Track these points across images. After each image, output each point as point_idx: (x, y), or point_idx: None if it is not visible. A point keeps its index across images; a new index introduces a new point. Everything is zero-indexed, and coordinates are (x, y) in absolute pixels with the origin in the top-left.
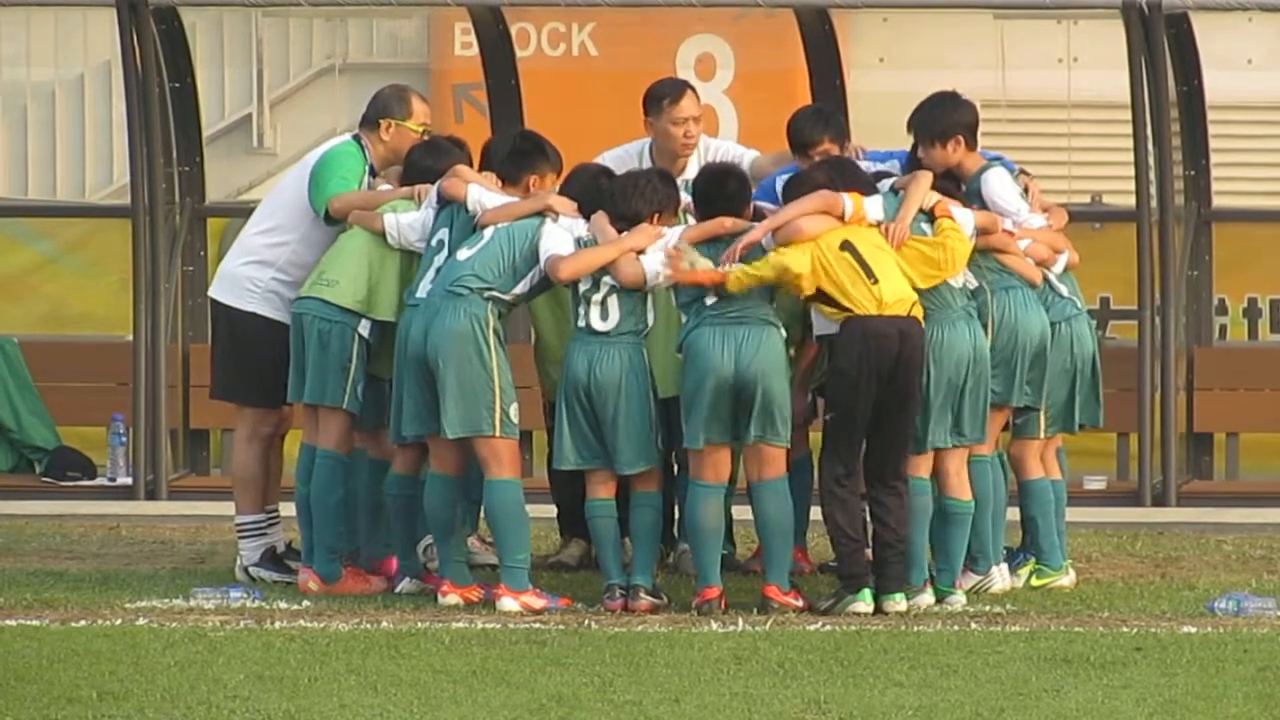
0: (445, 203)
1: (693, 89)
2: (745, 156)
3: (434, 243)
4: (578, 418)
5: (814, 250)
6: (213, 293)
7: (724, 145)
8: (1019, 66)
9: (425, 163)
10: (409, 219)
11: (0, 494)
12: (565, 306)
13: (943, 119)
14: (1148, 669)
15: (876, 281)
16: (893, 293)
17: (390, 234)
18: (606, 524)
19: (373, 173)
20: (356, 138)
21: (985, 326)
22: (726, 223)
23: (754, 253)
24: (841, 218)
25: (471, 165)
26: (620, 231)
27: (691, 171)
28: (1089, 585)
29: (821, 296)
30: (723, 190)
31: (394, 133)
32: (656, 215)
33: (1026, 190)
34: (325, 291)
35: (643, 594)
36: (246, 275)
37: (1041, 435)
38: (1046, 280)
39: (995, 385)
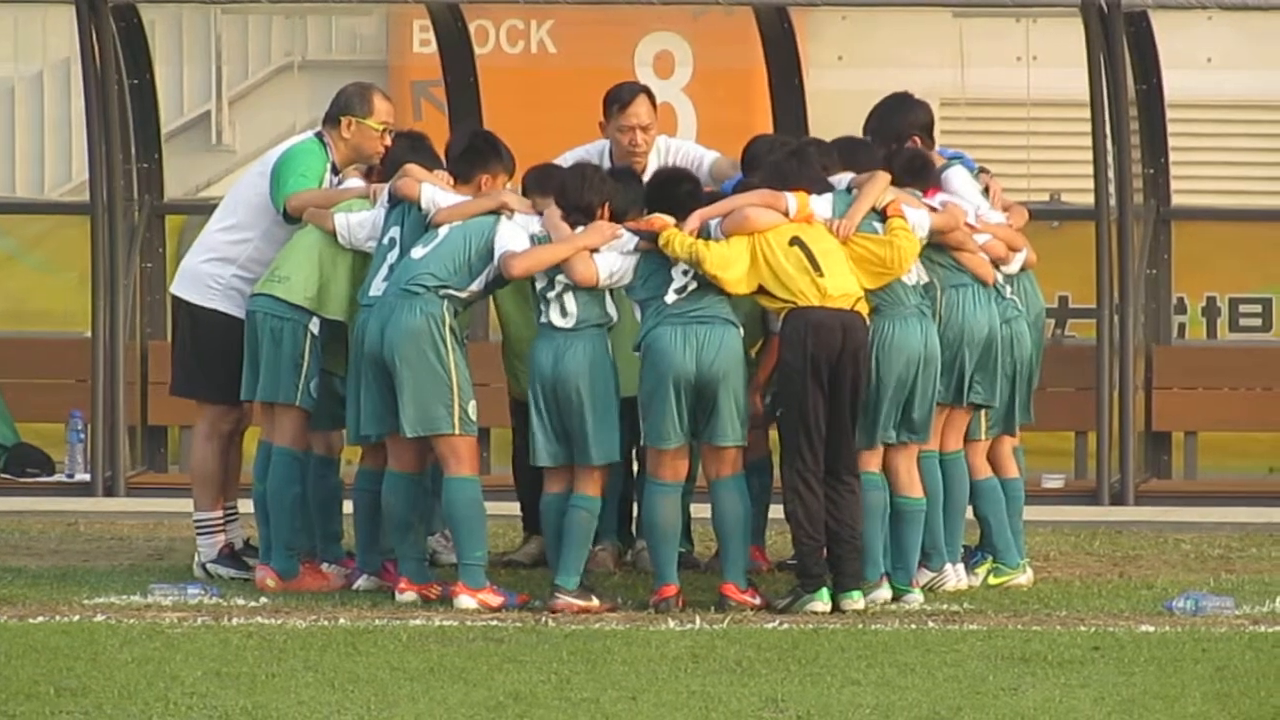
0: (396, 201)
1: (648, 95)
2: (705, 158)
3: (385, 241)
4: (544, 415)
5: (756, 245)
6: (174, 289)
7: (684, 146)
8: (978, 65)
9: (408, 156)
10: (359, 218)
11: None
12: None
13: (898, 121)
14: (1105, 668)
15: (822, 275)
16: (837, 286)
17: (340, 233)
18: (560, 520)
19: (334, 170)
20: (319, 135)
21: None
22: (656, 221)
23: (704, 236)
24: (786, 214)
25: (440, 164)
26: (572, 225)
27: (650, 173)
28: (1047, 584)
29: (763, 291)
30: (674, 194)
31: (355, 130)
32: (606, 206)
33: (987, 190)
34: (277, 288)
35: (560, 594)
36: (208, 272)
37: (983, 436)
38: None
39: (941, 384)
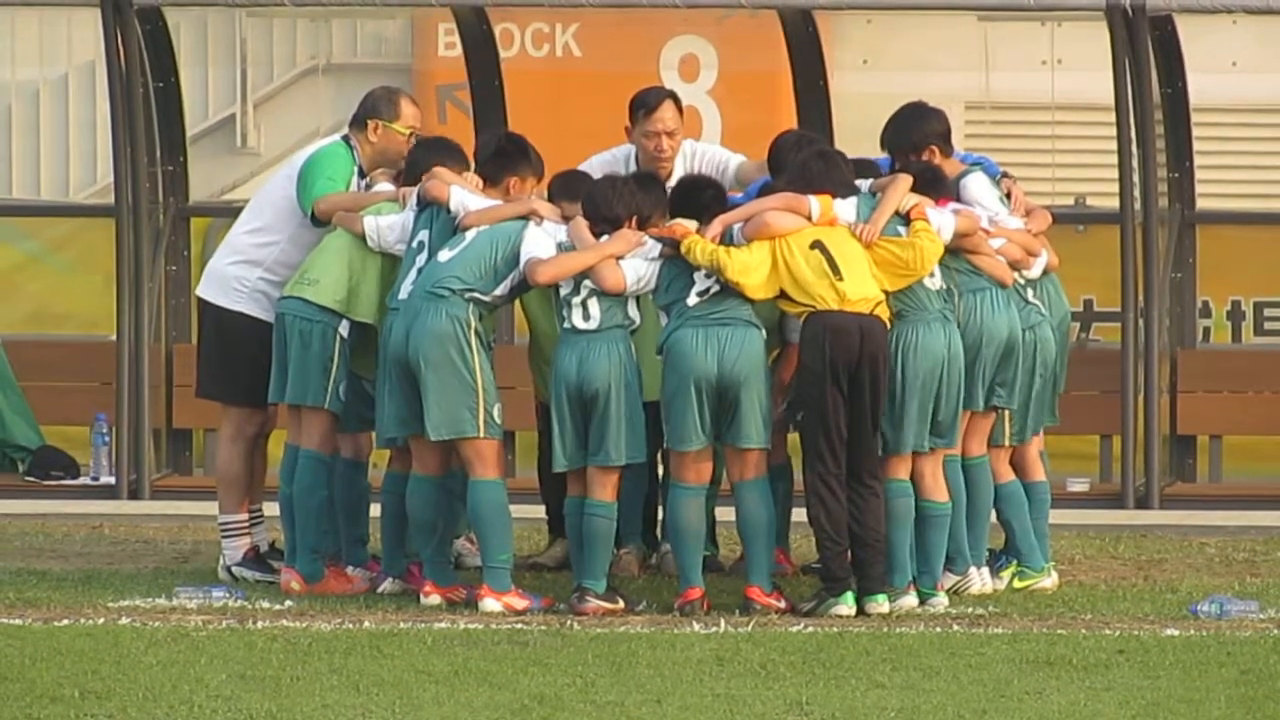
0: (425, 204)
1: (674, 100)
2: (731, 162)
3: (414, 245)
4: (566, 419)
5: (777, 250)
6: (200, 291)
7: (710, 150)
8: (1003, 68)
9: (428, 160)
10: (388, 221)
11: None
12: None
13: (913, 132)
14: (1130, 671)
15: (842, 279)
16: (857, 290)
17: (370, 236)
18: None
19: (361, 174)
20: (345, 138)
21: None
22: (678, 228)
23: (726, 241)
24: (809, 218)
25: (469, 166)
26: (598, 235)
27: (676, 178)
28: (1072, 587)
29: (783, 294)
30: (697, 200)
31: (381, 134)
32: (634, 219)
33: (1009, 195)
34: (306, 291)
35: (589, 596)
36: (234, 274)
37: (1007, 442)
38: (1015, 283)
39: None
